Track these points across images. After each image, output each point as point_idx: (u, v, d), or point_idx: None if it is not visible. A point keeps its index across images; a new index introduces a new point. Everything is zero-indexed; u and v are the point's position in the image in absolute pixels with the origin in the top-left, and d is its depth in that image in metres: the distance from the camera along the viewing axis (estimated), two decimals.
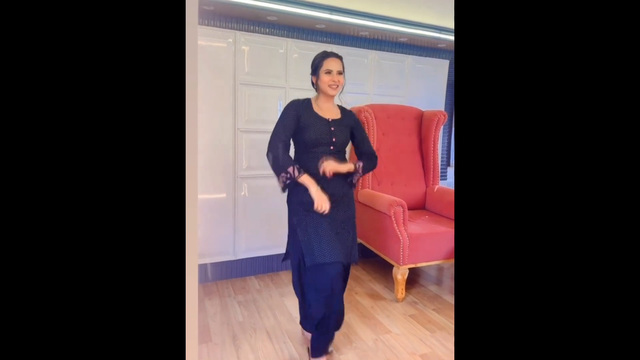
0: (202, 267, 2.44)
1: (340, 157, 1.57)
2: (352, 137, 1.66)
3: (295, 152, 1.60)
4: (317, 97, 1.60)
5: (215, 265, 2.47)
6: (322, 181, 1.50)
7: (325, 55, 1.54)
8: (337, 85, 1.52)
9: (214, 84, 2.30)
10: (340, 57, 1.56)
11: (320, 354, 1.61)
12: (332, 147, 1.53)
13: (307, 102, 1.59)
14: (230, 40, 2.31)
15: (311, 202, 1.45)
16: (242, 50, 2.35)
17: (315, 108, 1.57)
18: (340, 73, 1.53)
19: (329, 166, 1.47)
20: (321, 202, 1.43)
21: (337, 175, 1.52)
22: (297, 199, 1.52)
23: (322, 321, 1.53)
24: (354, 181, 1.62)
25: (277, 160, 1.46)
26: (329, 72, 1.51)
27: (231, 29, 2.32)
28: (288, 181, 1.46)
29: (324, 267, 1.46)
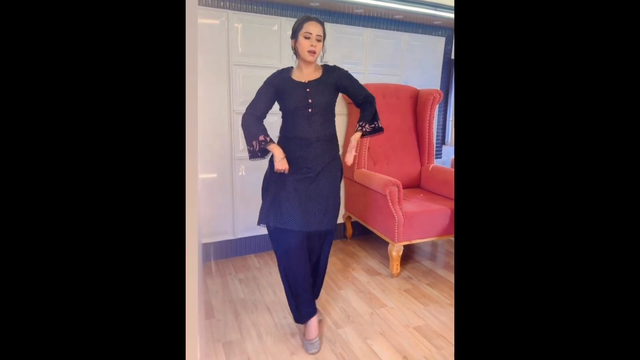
0: (205, 247, 2.50)
1: (324, 118, 1.56)
2: (345, 90, 1.62)
3: (282, 118, 1.63)
4: (297, 65, 1.59)
5: (216, 244, 2.53)
6: (304, 150, 1.54)
7: (306, 18, 1.51)
8: (315, 52, 1.50)
9: (207, 66, 2.28)
10: (321, 23, 1.52)
11: (301, 319, 1.68)
12: (310, 110, 1.52)
13: (288, 70, 1.60)
14: (223, 18, 2.28)
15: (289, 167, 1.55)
16: (235, 31, 2.32)
17: (294, 75, 1.57)
18: (319, 40, 1.50)
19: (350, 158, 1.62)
20: (280, 166, 1.52)
21: (321, 145, 1.56)
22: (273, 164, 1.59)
23: (291, 284, 1.63)
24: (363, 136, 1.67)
25: (247, 132, 1.56)
26: (308, 36, 1.48)
27: (223, 7, 2.28)
28: (252, 154, 1.55)
29: (283, 232, 1.55)
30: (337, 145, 1.66)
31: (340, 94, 1.68)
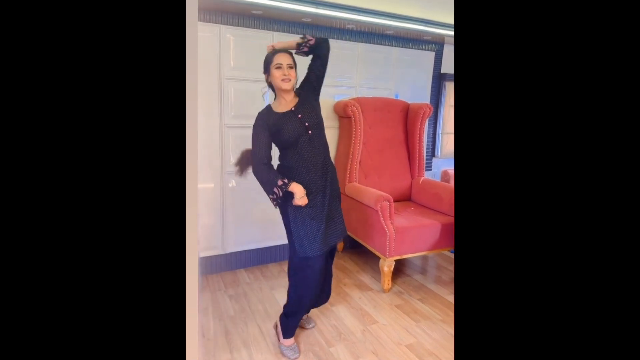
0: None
1: (320, 133, 1.62)
2: (309, 73, 1.65)
3: (279, 151, 1.65)
4: (275, 99, 1.64)
5: (206, 259, 2.49)
6: (311, 172, 1.59)
7: (275, 51, 1.58)
8: (290, 79, 1.54)
9: (199, 79, 2.27)
10: (290, 53, 1.59)
11: (291, 334, 1.75)
12: (310, 132, 1.57)
13: (268, 109, 1.63)
14: (215, 32, 2.27)
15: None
16: (227, 45, 2.32)
17: (279, 108, 1.60)
18: (291, 67, 1.56)
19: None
20: (301, 202, 1.56)
21: (323, 161, 1.62)
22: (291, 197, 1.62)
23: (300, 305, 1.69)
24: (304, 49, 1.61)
25: (265, 183, 1.57)
26: (279, 66, 1.54)
27: (215, 22, 2.28)
28: (276, 201, 1.58)
29: (312, 259, 1.60)
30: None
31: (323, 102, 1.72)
